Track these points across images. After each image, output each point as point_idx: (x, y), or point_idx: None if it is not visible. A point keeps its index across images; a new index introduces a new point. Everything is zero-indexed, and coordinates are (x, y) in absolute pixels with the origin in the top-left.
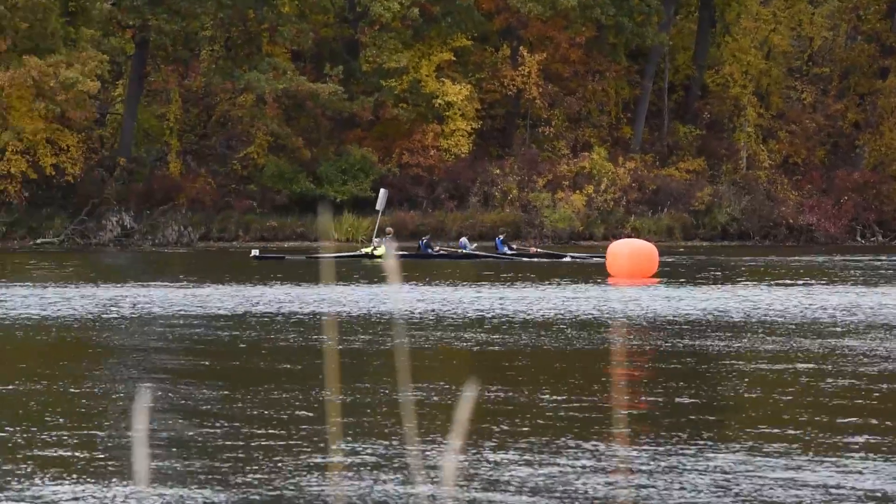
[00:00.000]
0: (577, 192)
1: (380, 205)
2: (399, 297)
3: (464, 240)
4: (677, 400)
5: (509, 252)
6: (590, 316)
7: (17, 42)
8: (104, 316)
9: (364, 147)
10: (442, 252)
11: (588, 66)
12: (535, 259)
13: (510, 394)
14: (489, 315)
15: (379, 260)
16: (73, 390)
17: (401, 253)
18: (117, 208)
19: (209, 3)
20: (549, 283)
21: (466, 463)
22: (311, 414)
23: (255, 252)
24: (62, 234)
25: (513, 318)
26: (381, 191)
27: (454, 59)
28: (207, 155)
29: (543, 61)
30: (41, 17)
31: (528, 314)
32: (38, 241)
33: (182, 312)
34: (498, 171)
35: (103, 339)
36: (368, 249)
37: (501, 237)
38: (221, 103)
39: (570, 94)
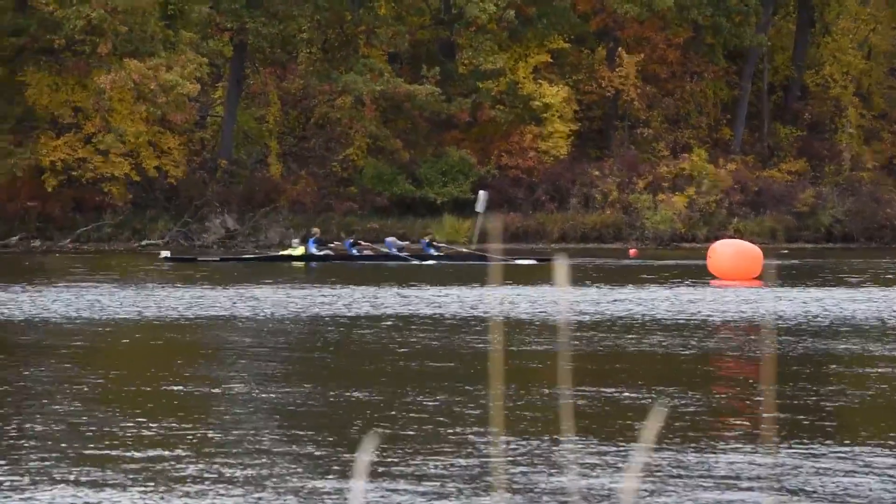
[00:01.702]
0: (679, 193)
1: (479, 206)
2: (560, 300)
3: (390, 239)
4: (822, 403)
5: (435, 253)
6: (716, 318)
7: (117, 45)
8: (218, 317)
9: (462, 149)
10: (367, 253)
11: (686, 68)
12: (464, 261)
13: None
14: (612, 316)
15: (298, 262)
16: (185, 391)
17: (320, 254)
18: (220, 210)
19: (306, 6)
20: (657, 284)
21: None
22: (475, 414)
23: (165, 254)
24: (166, 235)
25: (634, 318)
26: (481, 192)
27: (551, 60)
28: (307, 157)
29: (641, 62)
30: (141, 20)
31: (655, 316)
32: (143, 242)
33: (318, 314)
34: (597, 173)
35: (227, 341)
36: (288, 251)
37: (427, 239)
38: (320, 105)
39: (668, 95)
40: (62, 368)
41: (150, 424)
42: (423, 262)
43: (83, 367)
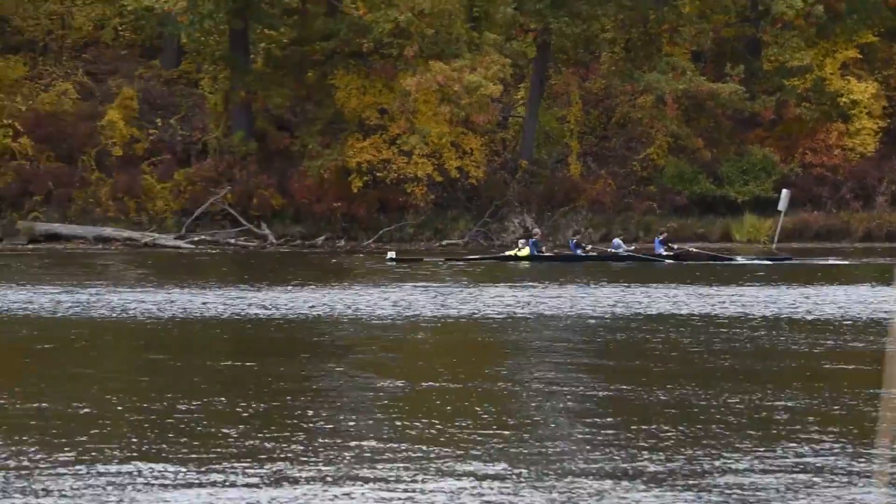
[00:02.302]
0: None
1: (782, 205)
2: None
3: (617, 240)
4: None
5: (665, 253)
6: None
7: (423, 48)
8: (519, 316)
9: (765, 147)
10: (592, 253)
11: None
12: (695, 260)
13: None
14: None
15: (524, 262)
16: (488, 388)
17: (546, 254)
18: (519, 210)
19: (610, 6)
20: None
21: None
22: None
23: (391, 255)
24: (466, 235)
25: None
26: (784, 191)
27: (860, 56)
28: (607, 156)
29: None
30: (447, 22)
31: None
32: (444, 242)
33: (618, 313)
34: None
35: (525, 339)
36: (514, 252)
37: (660, 237)
38: (621, 105)
39: None
40: (365, 366)
41: (450, 424)
42: (656, 261)
43: (385, 364)
